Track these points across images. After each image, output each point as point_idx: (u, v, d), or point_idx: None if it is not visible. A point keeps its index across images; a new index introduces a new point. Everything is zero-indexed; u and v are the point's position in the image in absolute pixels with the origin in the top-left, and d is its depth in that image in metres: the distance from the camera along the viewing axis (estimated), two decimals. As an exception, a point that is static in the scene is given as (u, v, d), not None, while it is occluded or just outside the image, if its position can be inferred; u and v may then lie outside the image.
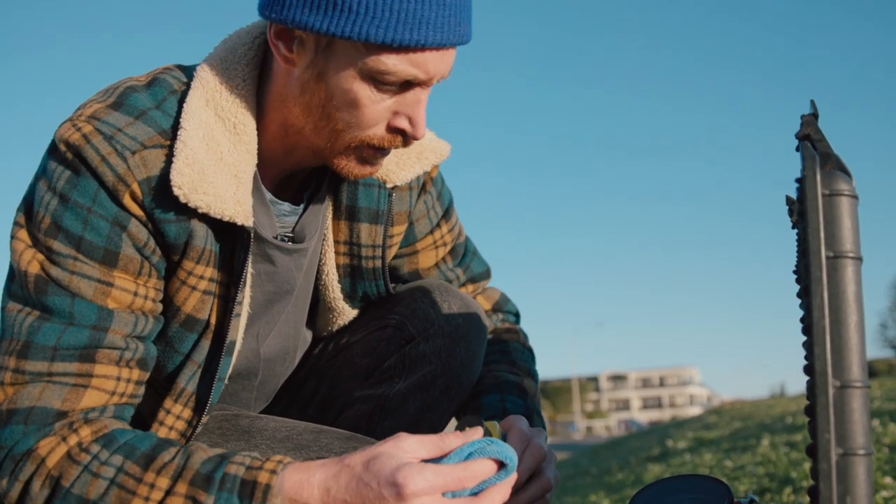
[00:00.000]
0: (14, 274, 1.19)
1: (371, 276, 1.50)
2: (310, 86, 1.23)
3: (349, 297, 1.52)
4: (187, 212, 1.21)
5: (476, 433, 1.13)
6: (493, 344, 1.67)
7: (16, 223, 1.21)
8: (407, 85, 1.22)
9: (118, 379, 1.18)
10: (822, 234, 0.89)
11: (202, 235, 1.23)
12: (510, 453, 1.10)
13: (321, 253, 1.47)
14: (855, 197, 0.90)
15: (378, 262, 1.49)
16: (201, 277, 1.26)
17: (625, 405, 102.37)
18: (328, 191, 1.44)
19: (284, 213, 1.38)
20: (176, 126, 1.22)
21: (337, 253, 1.48)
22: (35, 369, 1.14)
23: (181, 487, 1.08)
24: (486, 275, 1.72)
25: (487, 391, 1.55)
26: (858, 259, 0.90)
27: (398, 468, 1.04)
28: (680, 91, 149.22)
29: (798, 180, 0.92)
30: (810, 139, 0.94)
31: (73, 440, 1.12)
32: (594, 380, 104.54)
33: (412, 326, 1.51)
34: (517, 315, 1.76)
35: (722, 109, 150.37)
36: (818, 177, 0.89)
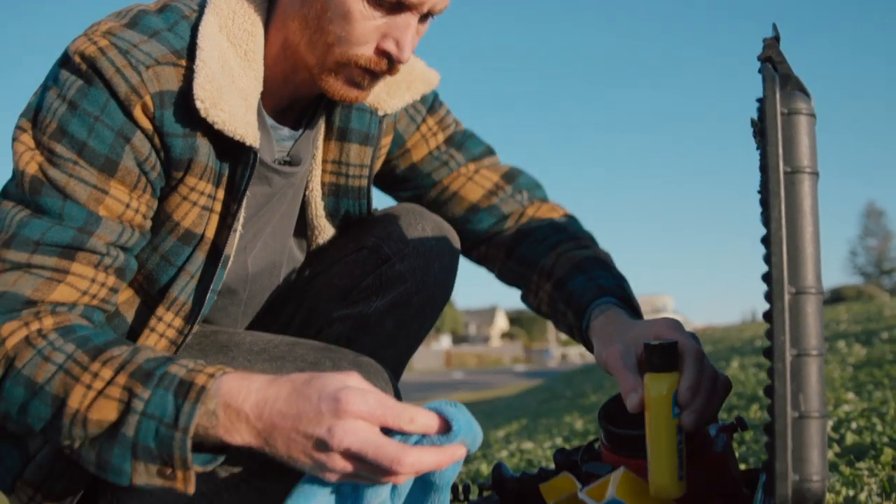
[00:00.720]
0: (12, 175, 1.22)
1: (355, 195, 1.55)
2: None
3: (331, 215, 1.57)
4: (196, 129, 1.25)
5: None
6: (538, 226, 1.66)
7: (18, 128, 1.23)
8: (398, 7, 1.26)
9: (93, 281, 1.20)
10: (780, 151, 0.94)
11: (206, 153, 1.27)
12: (462, 420, 1.05)
13: (309, 171, 1.52)
14: (812, 115, 0.95)
15: (364, 182, 1.55)
16: (202, 193, 1.30)
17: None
18: (322, 115, 1.50)
19: (283, 138, 1.43)
20: (190, 48, 1.25)
21: (324, 171, 1.53)
22: (15, 259, 1.17)
23: (121, 378, 1.09)
24: (488, 152, 1.72)
25: (570, 275, 1.54)
26: (815, 174, 0.95)
27: (342, 388, 1.03)
28: (645, 18, 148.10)
29: (759, 100, 0.97)
30: (772, 61, 0.99)
31: (34, 326, 1.14)
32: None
33: (388, 247, 1.56)
34: (539, 187, 1.74)
35: (690, 35, 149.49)
36: (777, 96, 0.94)
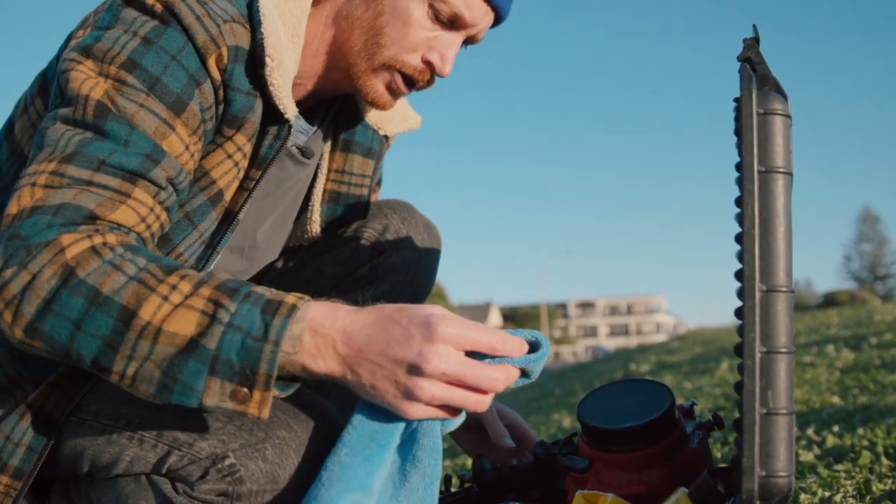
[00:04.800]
0: (64, 101, 1.16)
1: (355, 203, 1.60)
2: None
3: (326, 222, 1.61)
4: (256, 89, 1.26)
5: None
6: None
7: (72, 60, 1.17)
8: (451, 24, 1.35)
9: (151, 210, 1.14)
10: (755, 150, 0.95)
11: (258, 116, 1.28)
12: (546, 344, 1.08)
13: (314, 176, 1.57)
14: (788, 117, 0.97)
15: (365, 191, 1.61)
16: (244, 155, 1.30)
17: (592, 332, 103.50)
18: (331, 125, 1.55)
19: (300, 129, 1.46)
20: (248, 17, 1.26)
21: (328, 180, 1.58)
22: (76, 175, 1.08)
23: (205, 290, 1.01)
24: None
25: None
26: (789, 174, 0.96)
27: (431, 314, 1.01)
28: (642, 17, 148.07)
29: (736, 100, 0.99)
30: (750, 62, 1.00)
31: (98, 239, 1.04)
32: (563, 306, 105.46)
33: (384, 239, 1.61)
34: None
35: (692, 33, 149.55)
36: (754, 96, 0.96)
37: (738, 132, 0.98)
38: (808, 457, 2.09)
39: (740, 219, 0.96)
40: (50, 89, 1.29)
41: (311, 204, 1.58)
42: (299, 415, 1.15)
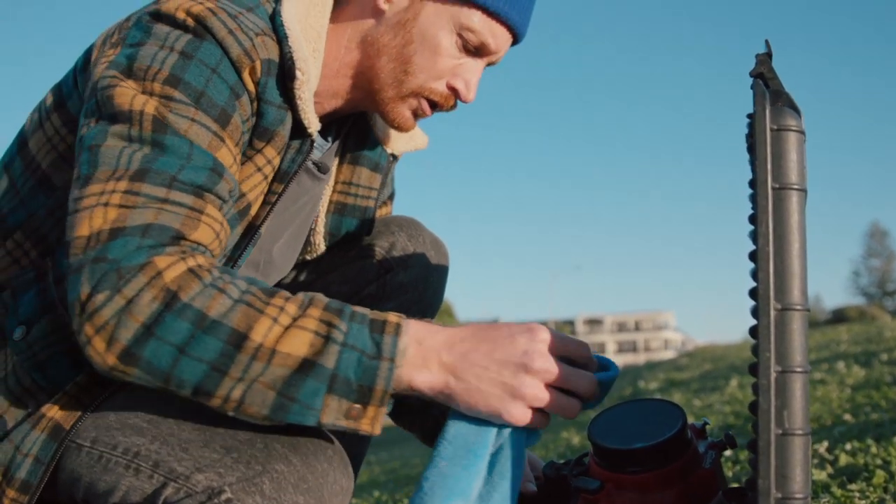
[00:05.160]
0: (112, 119, 1.13)
1: (360, 215, 1.59)
2: (400, 27, 1.35)
3: (330, 233, 1.60)
4: (286, 102, 1.26)
5: None
6: None
7: (112, 78, 1.15)
8: (476, 51, 1.37)
9: (221, 225, 1.14)
10: (768, 166, 0.94)
11: (287, 129, 1.29)
12: (612, 363, 1.18)
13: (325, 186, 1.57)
14: (802, 133, 0.96)
15: (371, 203, 1.60)
16: (273, 168, 1.30)
17: (600, 349, 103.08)
18: (342, 140, 1.55)
19: (316, 145, 1.47)
20: (273, 29, 1.26)
21: (334, 191, 1.58)
22: (152, 192, 1.07)
23: (313, 311, 1.04)
24: None
25: None
26: (803, 191, 0.95)
27: (528, 322, 1.11)
28: (651, 36, 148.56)
29: (749, 116, 0.98)
30: (763, 77, 0.99)
31: (192, 262, 1.04)
32: (570, 323, 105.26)
33: (392, 257, 1.60)
34: None
35: (703, 48, 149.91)
36: (767, 112, 0.94)
37: (751, 148, 0.97)
38: (821, 476, 2.07)
39: (754, 236, 0.95)
40: (66, 106, 1.28)
41: (316, 215, 1.58)
42: (298, 447, 1.13)
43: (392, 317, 1.06)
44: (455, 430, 1.11)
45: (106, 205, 1.06)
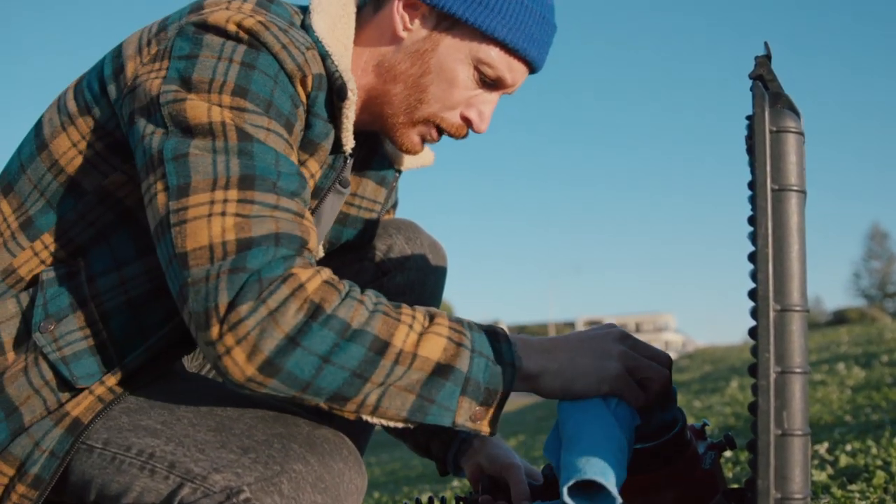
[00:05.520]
0: (188, 130, 1.12)
1: (361, 226, 1.59)
2: (418, 56, 1.34)
3: (330, 242, 1.60)
4: (330, 117, 1.27)
5: None
6: None
7: (175, 92, 1.15)
8: (492, 84, 1.37)
9: (314, 230, 1.16)
10: (768, 168, 0.94)
11: (330, 144, 1.29)
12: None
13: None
14: (801, 134, 0.96)
15: (374, 215, 1.59)
16: (315, 181, 1.31)
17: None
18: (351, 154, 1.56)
19: None
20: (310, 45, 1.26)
21: None
22: (264, 200, 1.08)
23: (441, 320, 1.12)
24: None
25: None
26: (802, 192, 0.95)
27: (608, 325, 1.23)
28: (651, 38, 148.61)
29: (748, 117, 0.98)
30: (762, 79, 0.99)
31: (324, 273, 1.08)
32: (571, 325, 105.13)
33: (389, 260, 1.60)
34: None
35: (708, 48, 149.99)
36: (766, 114, 0.95)
37: (750, 150, 0.97)
38: (821, 476, 2.07)
39: (753, 237, 0.95)
40: (92, 113, 1.26)
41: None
42: (315, 448, 1.14)
43: (496, 327, 1.16)
44: (566, 413, 1.18)
45: (223, 214, 1.07)
